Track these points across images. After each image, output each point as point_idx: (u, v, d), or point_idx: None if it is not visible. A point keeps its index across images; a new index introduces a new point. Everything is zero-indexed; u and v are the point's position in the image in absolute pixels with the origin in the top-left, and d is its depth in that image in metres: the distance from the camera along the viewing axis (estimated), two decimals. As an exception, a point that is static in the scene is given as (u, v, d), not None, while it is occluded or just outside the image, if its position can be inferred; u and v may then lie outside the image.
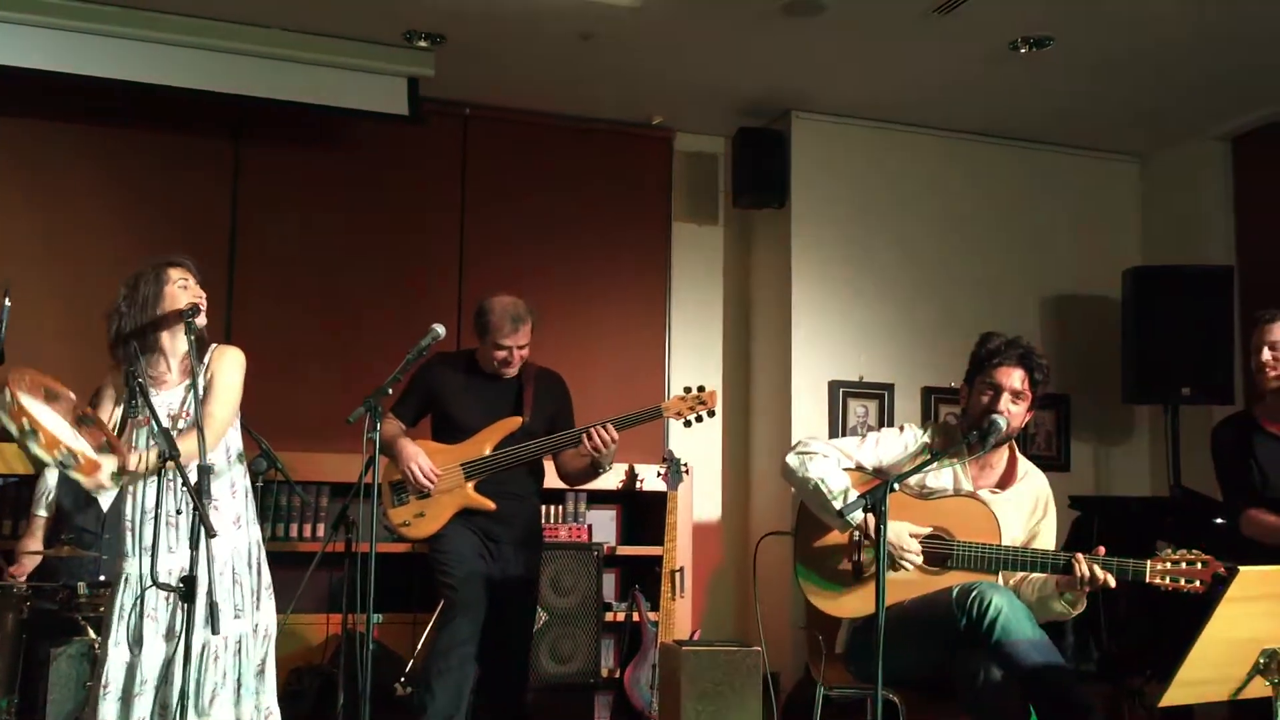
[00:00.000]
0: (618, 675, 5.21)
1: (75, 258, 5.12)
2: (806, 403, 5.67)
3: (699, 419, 4.14)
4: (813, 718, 3.53)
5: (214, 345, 3.37)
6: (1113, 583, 3.13)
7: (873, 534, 3.25)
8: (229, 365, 3.32)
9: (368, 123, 5.38)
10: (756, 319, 6.08)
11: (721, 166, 6.15)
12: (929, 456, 3.37)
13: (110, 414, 3.24)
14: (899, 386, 5.78)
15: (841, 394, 5.71)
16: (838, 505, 3.28)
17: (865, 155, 5.87)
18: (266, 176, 5.45)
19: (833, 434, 5.61)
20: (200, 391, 3.21)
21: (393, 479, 4.10)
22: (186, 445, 3.05)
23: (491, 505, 4.02)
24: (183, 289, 3.30)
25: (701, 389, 4.14)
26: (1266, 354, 3.71)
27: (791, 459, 3.47)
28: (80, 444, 2.97)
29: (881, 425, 5.65)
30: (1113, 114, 5.73)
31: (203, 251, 5.20)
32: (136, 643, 3.12)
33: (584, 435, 4.00)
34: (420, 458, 4.04)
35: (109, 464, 2.99)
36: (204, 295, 3.33)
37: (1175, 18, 4.72)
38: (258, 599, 3.27)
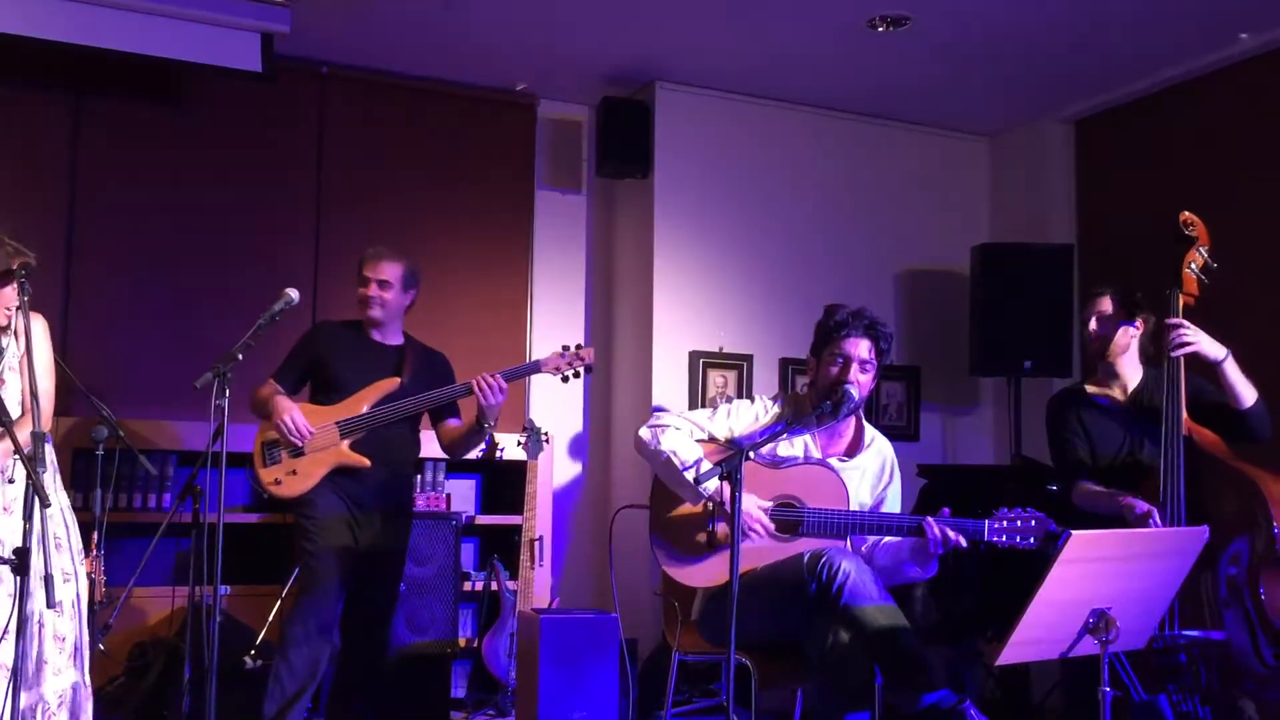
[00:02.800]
0: (476, 645, 5.19)
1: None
2: (667, 373, 5.71)
3: (576, 374, 4.14)
4: (668, 683, 3.59)
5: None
6: (964, 543, 3.25)
7: (725, 503, 3.31)
8: (40, 336, 3.30)
9: (220, 79, 5.17)
10: (619, 288, 6.09)
11: (585, 135, 6.13)
12: (781, 426, 3.44)
13: None
14: (758, 357, 5.87)
15: (702, 364, 5.77)
16: (690, 476, 3.33)
17: (728, 127, 5.92)
18: (111, 131, 5.21)
19: (693, 405, 5.67)
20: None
21: (266, 438, 4.03)
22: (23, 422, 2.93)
23: (366, 462, 3.97)
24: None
25: (580, 346, 4.14)
26: (1093, 325, 3.89)
27: (644, 432, 3.51)
28: None
29: (740, 395, 5.74)
30: (966, 94, 5.90)
31: (39, 208, 5.02)
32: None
33: (472, 384, 3.96)
34: (294, 411, 3.99)
35: None
36: None
37: (1026, 1, 4.88)
38: (73, 572, 3.19)
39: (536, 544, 5.12)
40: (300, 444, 3.98)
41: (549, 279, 6.04)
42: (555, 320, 6.01)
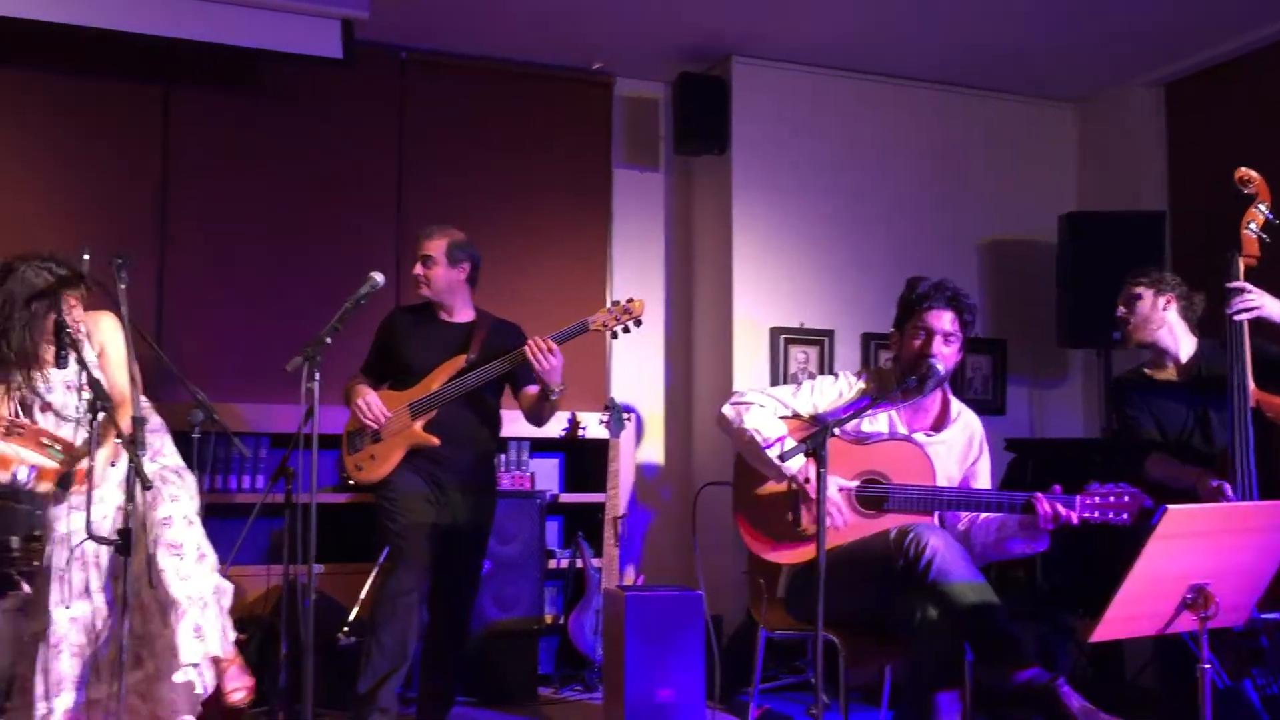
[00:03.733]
0: (562, 621, 5.24)
1: (2, 207, 4.98)
2: (747, 349, 5.69)
3: (626, 330, 4.11)
4: (754, 660, 3.59)
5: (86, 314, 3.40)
6: (1075, 519, 3.19)
7: (806, 483, 3.30)
8: (110, 334, 3.38)
9: (302, 66, 5.25)
10: (698, 266, 6.08)
11: (662, 112, 6.11)
12: (866, 402, 3.41)
13: (12, 410, 3.22)
14: (839, 333, 5.82)
15: (782, 340, 5.74)
16: (773, 454, 3.31)
17: (806, 101, 5.86)
18: (198, 122, 5.32)
19: (774, 381, 5.64)
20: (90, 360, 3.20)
21: (351, 428, 4.11)
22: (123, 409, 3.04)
23: (435, 441, 4.01)
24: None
25: (630, 300, 4.12)
26: (1121, 309, 3.87)
27: (727, 410, 3.50)
28: (32, 456, 2.97)
29: (822, 371, 5.70)
30: (1050, 58, 5.76)
31: (133, 201, 5.16)
32: (81, 596, 3.12)
33: (524, 349, 3.97)
34: (369, 396, 4.06)
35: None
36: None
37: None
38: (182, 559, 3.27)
39: (620, 522, 5.17)
40: (377, 427, 4.04)
41: (628, 257, 6.05)
42: (634, 294, 5.99)
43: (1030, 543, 3.34)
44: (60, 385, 3.23)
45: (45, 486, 2.99)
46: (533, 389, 4.12)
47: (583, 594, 5.22)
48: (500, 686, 4.91)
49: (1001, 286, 6.12)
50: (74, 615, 3.14)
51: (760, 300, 5.73)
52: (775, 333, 5.73)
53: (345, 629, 4.54)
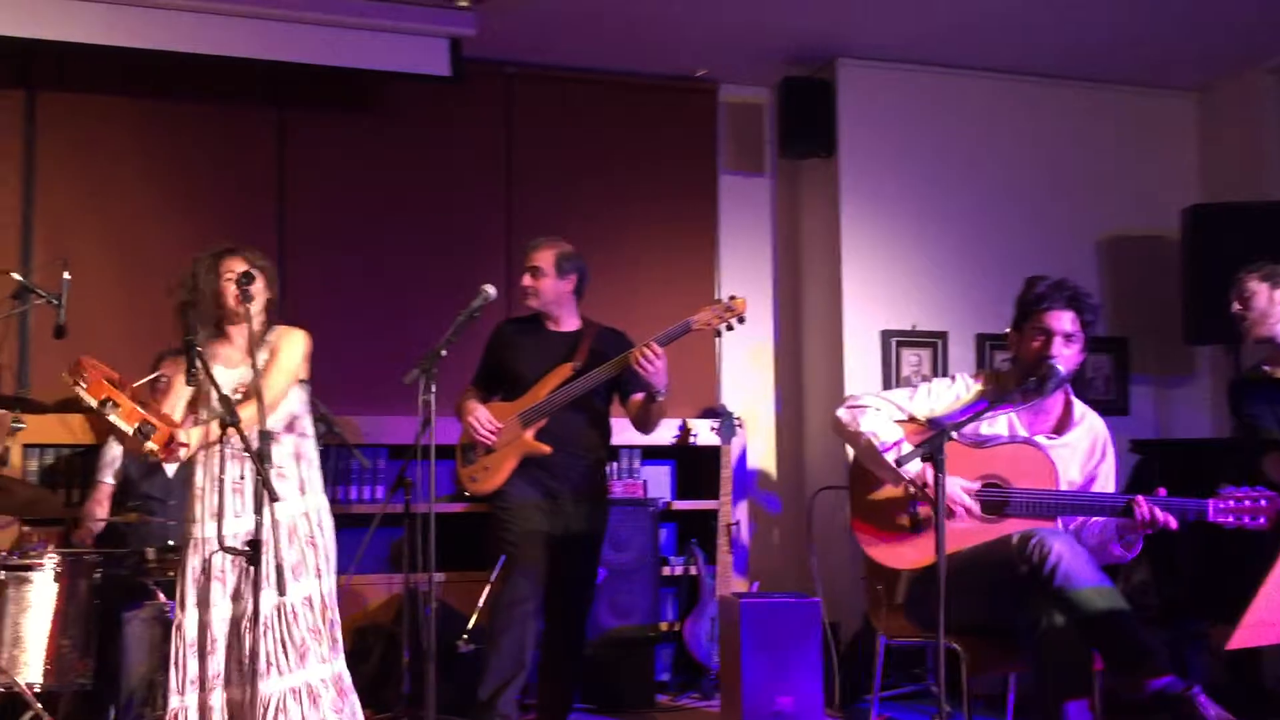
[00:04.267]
0: (677, 628, 5.24)
1: (126, 230, 5.18)
2: (858, 353, 5.63)
3: (729, 327, 4.09)
4: (874, 667, 3.54)
5: (277, 326, 3.45)
6: (1174, 524, 3.10)
7: (925, 486, 3.25)
8: (289, 344, 3.41)
9: (411, 85, 5.37)
10: (806, 269, 6.03)
11: (767, 117, 6.09)
12: (985, 404, 3.34)
13: (172, 404, 3.32)
14: (953, 334, 5.73)
15: (894, 344, 5.66)
16: (890, 458, 3.27)
17: (914, 100, 5.78)
18: (312, 143, 5.46)
19: (886, 385, 5.57)
20: (258, 364, 3.27)
21: (464, 441, 4.17)
22: (245, 412, 3.12)
23: (546, 449, 4.03)
24: (229, 280, 3.35)
25: (732, 298, 4.10)
26: (1235, 305, 3.74)
27: (842, 413, 3.46)
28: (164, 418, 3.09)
29: (935, 374, 5.62)
30: (1168, 48, 5.59)
31: (251, 220, 5.31)
32: (203, 604, 3.22)
33: (629, 355, 3.98)
34: (479, 411, 4.10)
35: (183, 433, 3.13)
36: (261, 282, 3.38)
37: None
38: (319, 569, 3.34)
39: (733, 528, 5.14)
40: (489, 440, 4.08)
41: (735, 263, 6.03)
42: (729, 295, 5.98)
43: (1127, 548, 3.25)
44: (228, 385, 3.34)
45: (150, 446, 3.09)
46: (639, 395, 4.13)
47: (697, 601, 5.21)
48: (617, 694, 4.93)
49: (1122, 283, 5.95)
50: (202, 618, 3.24)
51: (871, 303, 5.66)
52: (886, 335, 5.66)
53: (465, 636, 4.61)
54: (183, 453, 3.18)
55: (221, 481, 3.19)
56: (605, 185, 5.83)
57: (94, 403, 3.04)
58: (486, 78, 5.62)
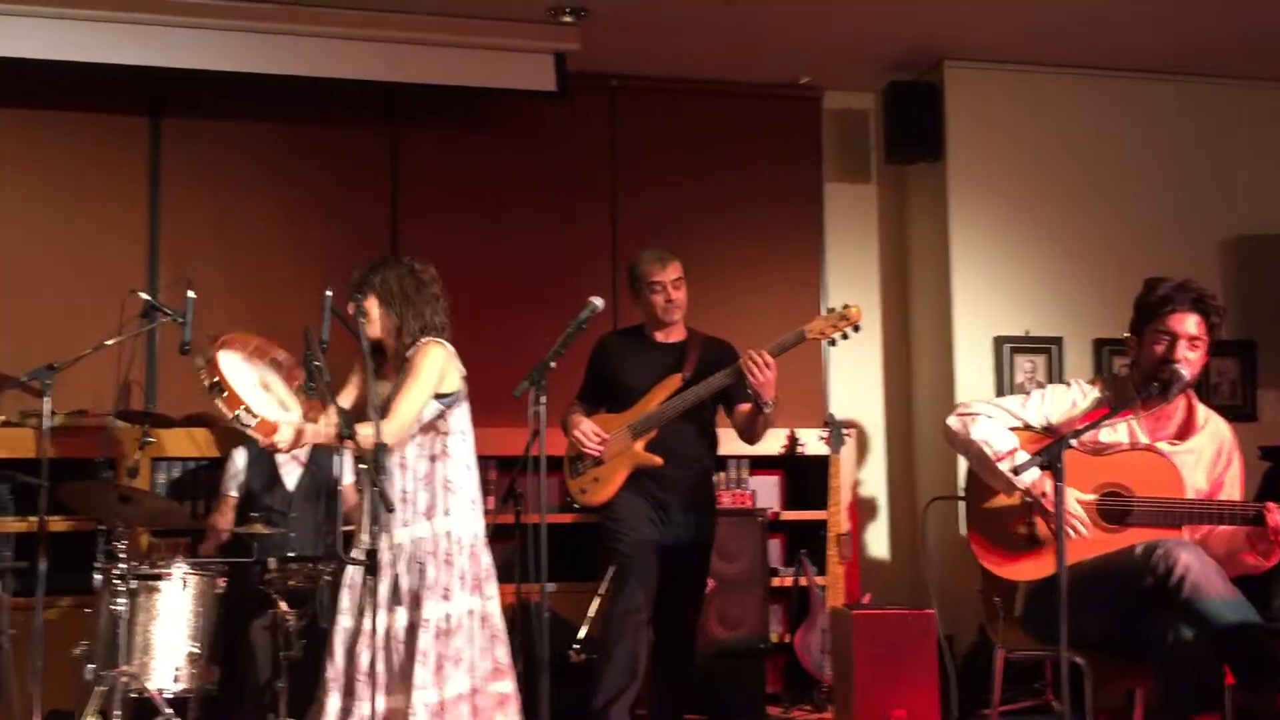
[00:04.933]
0: (787, 640, 5.20)
1: (248, 250, 5.35)
2: (970, 360, 5.53)
3: (844, 336, 4.05)
4: (992, 680, 3.46)
5: (420, 341, 3.50)
6: None
7: (1041, 496, 3.17)
8: (421, 361, 3.44)
9: (517, 101, 5.45)
10: (915, 277, 5.95)
11: (872, 123, 6.03)
12: (1107, 411, 3.25)
13: (353, 397, 3.42)
14: (1068, 340, 5.59)
15: (1007, 350, 5.55)
16: (1004, 468, 3.20)
17: (1025, 101, 5.67)
18: (424, 161, 5.58)
19: (999, 392, 5.47)
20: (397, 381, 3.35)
21: (572, 453, 4.19)
22: (365, 429, 3.18)
23: (659, 460, 4.03)
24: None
25: (846, 306, 4.06)
26: None
27: (953, 422, 3.39)
28: (270, 409, 3.15)
29: (1050, 381, 5.48)
30: (1293, 40, 5.39)
31: (366, 237, 5.43)
32: (349, 610, 3.32)
33: (740, 363, 3.96)
34: (585, 424, 4.11)
35: (285, 430, 3.18)
36: None
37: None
38: (447, 590, 3.37)
39: (843, 539, 5.09)
40: (594, 453, 4.10)
41: (841, 271, 5.98)
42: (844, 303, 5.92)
43: (1264, 556, 3.12)
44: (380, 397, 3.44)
45: (259, 437, 3.18)
46: (745, 405, 4.11)
47: (808, 612, 5.17)
48: (728, 705, 4.90)
49: (1248, 284, 5.74)
50: (344, 624, 3.33)
51: (982, 309, 5.56)
52: (999, 342, 5.55)
53: (576, 646, 4.64)
54: (280, 443, 3.22)
55: (374, 493, 3.23)
56: (710, 195, 5.83)
57: (204, 383, 3.14)
58: (591, 90, 5.67)
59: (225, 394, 3.13)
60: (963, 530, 3.45)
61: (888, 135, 5.79)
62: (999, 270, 5.59)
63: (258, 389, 3.24)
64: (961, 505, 3.45)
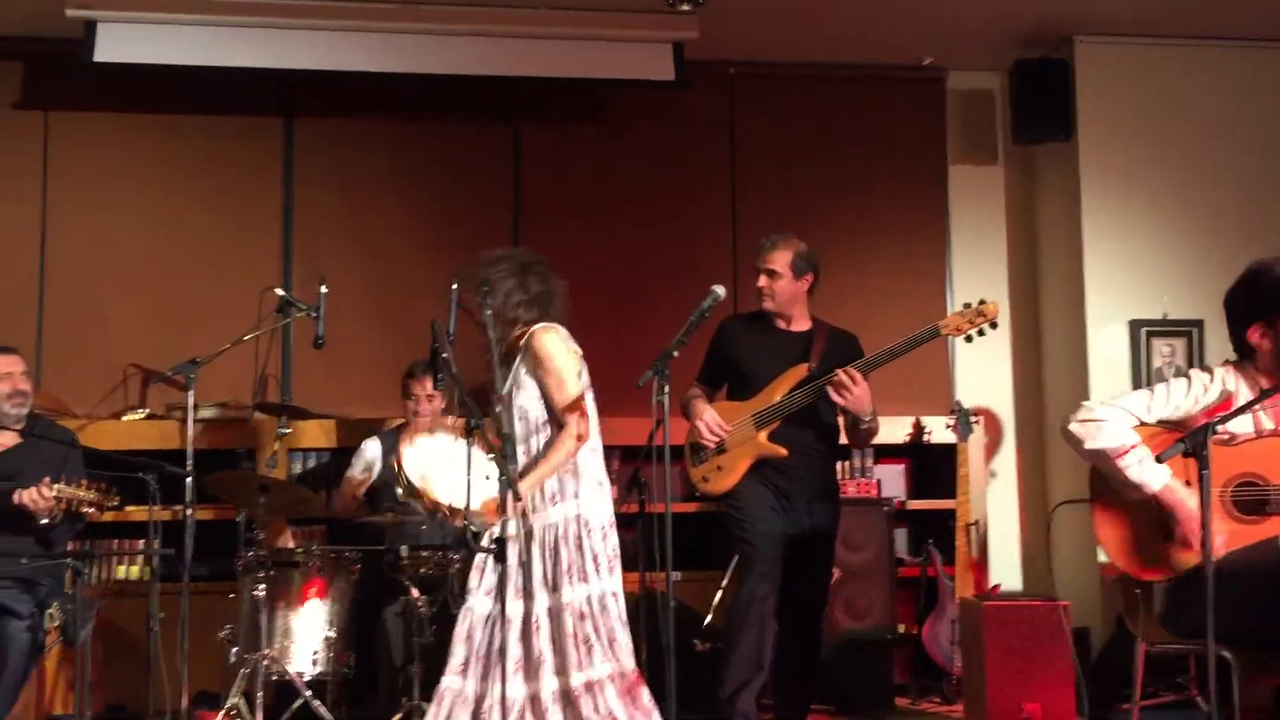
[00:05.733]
0: (915, 631, 5.13)
1: (376, 244, 5.48)
2: (1103, 345, 5.37)
3: (980, 333, 3.97)
4: (1131, 675, 3.37)
5: (533, 328, 3.55)
6: None
7: (1172, 500, 3.08)
8: (537, 347, 3.51)
9: (637, 91, 5.47)
10: (1044, 260, 5.79)
11: (999, 103, 5.89)
12: (1249, 399, 3.12)
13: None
14: (1209, 322, 5.37)
15: (1144, 333, 5.36)
16: (1134, 475, 3.12)
17: (1160, 76, 5.47)
18: (544, 154, 5.63)
19: (1135, 377, 5.32)
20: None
21: (693, 440, 4.19)
22: (500, 421, 3.26)
23: (783, 451, 4.01)
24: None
25: (982, 301, 3.97)
26: None
27: (1074, 427, 3.31)
28: (458, 497, 3.30)
29: (1191, 364, 5.29)
30: None
31: (489, 231, 5.51)
32: (476, 593, 3.39)
33: (827, 384, 3.93)
34: (708, 413, 4.11)
35: (518, 493, 3.25)
36: None
37: None
38: (584, 573, 3.42)
39: (972, 528, 5.00)
40: (713, 443, 4.09)
41: (967, 254, 5.86)
42: (976, 296, 5.76)
43: None
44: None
45: (484, 521, 3.34)
46: (844, 416, 4.08)
47: (936, 603, 5.09)
48: (854, 696, 4.86)
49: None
50: (473, 606, 3.40)
51: (1116, 292, 5.39)
52: (1135, 325, 5.37)
53: (701, 636, 4.65)
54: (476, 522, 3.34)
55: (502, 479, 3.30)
56: (831, 180, 5.77)
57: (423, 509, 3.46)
58: (709, 79, 5.65)
59: (447, 512, 3.37)
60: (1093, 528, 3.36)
61: (1015, 115, 5.65)
62: (1134, 250, 5.41)
63: (448, 476, 3.39)
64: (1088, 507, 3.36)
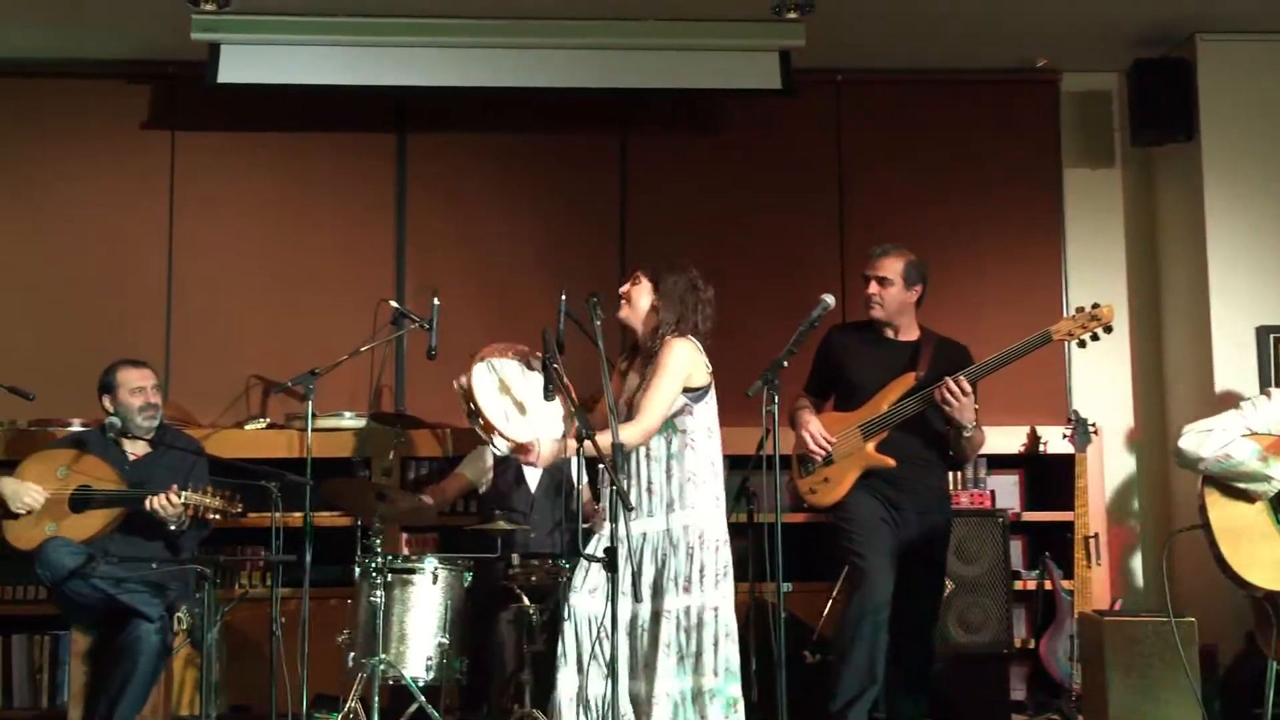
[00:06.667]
0: (1032, 646, 5.01)
1: (487, 257, 5.56)
2: (1230, 352, 5.18)
3: (1094, 337, 3.89)
4: (1264, 694, 3.25)
5: (665, 337, 3.57)
6: None
7: None
8: (664, 356, 3.51)
9: (742, 100, 5.47)
10: (1165, 265, 5.62)
11: (1115, 104, 5.74)
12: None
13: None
14: (1343, 326, 5.17)
15: (1272, 340, 5.17)
16: (1253, 466, 3.03)
17: (1287, 73, 5.28)
18: (650, 165, 5.65)
19: (1264, 384, 5.12)
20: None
21: (799, 451, 4.17)
22: (604, 436, 3.27)
23: (891, 462, 3.97)
24: None
25: (1096, 305, 3.88)
26: None
27: (1186, 442, 3.26)
28: (525, 426, 3.39)
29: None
30: None
31: (597, 241, 5.57)
32: (582, 591, 3.42)
33: (933, 393, 3.86)
34: (813, 424, 4.08)
35: (544, 446, 3.35)
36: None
37: None
38: (688, 583, 3.42)
39: (1091, 541, 4.88)
40: (819, 455, 4.05)
41: (1083, 260, 5.72)
42: (1093, 303, 5.65)
43: None
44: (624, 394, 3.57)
45: (518, 457, 3.43)
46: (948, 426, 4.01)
47: (1054, 618, 4.96)
48: (969, 711, 4.77)
49: None
50: (579, 605, 3.43)
51: (1242, 296, 5.21)
52: (1263, 332, 5.18)
53: (810, 648, 4.61)
54: (534, 459, 3.40)
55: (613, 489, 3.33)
56: (940, 188, 5.68)
57: (464, 408, 3.41)
58: (815, 86, 5.62)
59: (481, 421, 3.36)
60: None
61: (1133, 116, 5.50)
62: (1262, 253, 5.22)
63: (513, 406, 3.45)
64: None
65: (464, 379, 3.41)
